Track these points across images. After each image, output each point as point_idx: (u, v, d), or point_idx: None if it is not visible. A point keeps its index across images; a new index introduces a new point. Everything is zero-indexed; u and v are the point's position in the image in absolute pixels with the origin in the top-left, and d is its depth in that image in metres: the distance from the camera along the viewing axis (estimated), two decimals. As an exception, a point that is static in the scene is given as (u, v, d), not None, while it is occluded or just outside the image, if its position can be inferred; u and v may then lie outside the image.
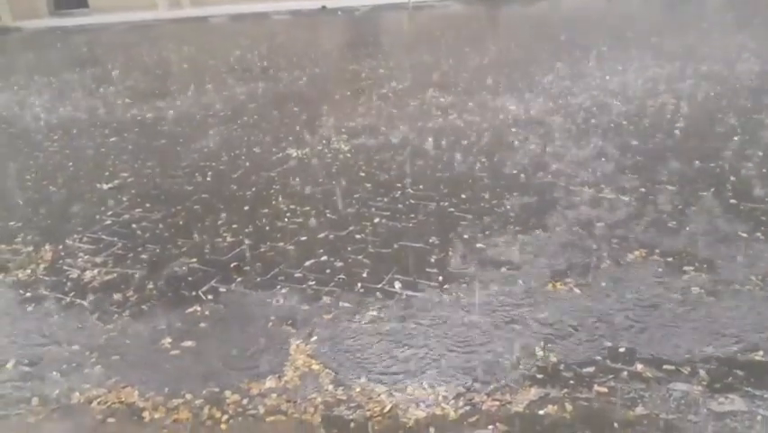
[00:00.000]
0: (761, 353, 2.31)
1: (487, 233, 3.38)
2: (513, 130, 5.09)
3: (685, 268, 2.90)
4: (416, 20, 12.33)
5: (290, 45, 10.89)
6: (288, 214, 3.77)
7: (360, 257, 3.19)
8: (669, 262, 2.96)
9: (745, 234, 3.16)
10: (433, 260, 3.14)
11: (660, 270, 2.91)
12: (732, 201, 3.54)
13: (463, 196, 3.88)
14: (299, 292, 2.91)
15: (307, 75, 7.95)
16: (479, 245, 3.26)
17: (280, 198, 4.01)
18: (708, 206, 3.51)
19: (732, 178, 3.85)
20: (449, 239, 3.34)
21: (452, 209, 3.71)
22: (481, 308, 2.70)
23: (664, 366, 2.27)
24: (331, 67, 8.53)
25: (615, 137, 4.73)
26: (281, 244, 3.39)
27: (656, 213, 3.46)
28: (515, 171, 4.22)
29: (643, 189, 3.76)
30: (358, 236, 3.42)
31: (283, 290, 2.93)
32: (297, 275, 3.06)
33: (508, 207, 3.68)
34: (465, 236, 3.36)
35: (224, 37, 12.74)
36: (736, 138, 4.52)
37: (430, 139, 5.01)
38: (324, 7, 15.63)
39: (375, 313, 2.71)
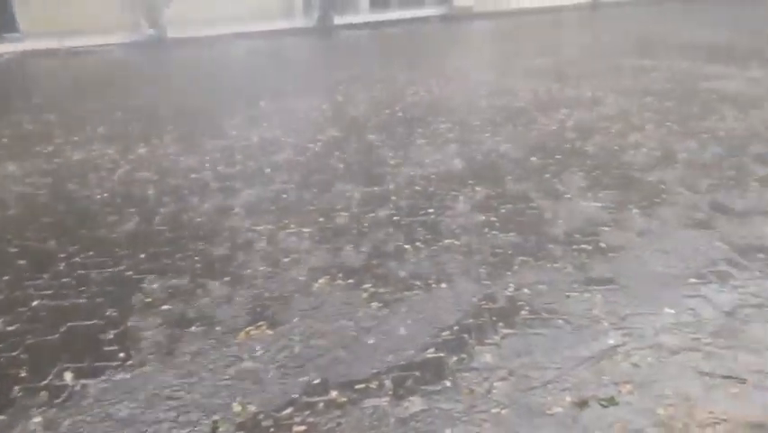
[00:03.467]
0: (432, 350, 2.61)
1: (171, 291, 3.15)
2: (192, 176, 4.93)
3: (364, 286, 3.14)
4: (73, 66, 11.18)
5: None
6: None
7: (15, 354, 2.65)
8: (350, 283, 3.17)
9: (407, 246, 3.58)
10: (112, 336, 2.79)
11: (343, 292, 3.09)
12: (395, 218, 3.99)
13: (143, 255, 3.57)
14: (-73, 420, 2.26)
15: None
16: (164, 307, 3.02)
17: None
18: (377, 225, 3.89)
19: (393, 198, 4.35)
20: (129, 307, 3.02)
21: (130, 272, 3.37)
22: (172, 377, 2.47)
23: (356, 386, 2.38)
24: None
25: (291, 174, 4.94)
26: None
27: (334, 239, 3.70)
28: (197, 220, 4.06)
29: (321, 219, 3.99)
30: (10, 328, 2.84)
31: None
32: None
33: (195, 258, 3.52)
34: (148, 300, 3.08)
35: None
36: (392, 162, 5.15)
37: (100, 196, 4.52)
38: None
39: (40, 419, 2.25)
